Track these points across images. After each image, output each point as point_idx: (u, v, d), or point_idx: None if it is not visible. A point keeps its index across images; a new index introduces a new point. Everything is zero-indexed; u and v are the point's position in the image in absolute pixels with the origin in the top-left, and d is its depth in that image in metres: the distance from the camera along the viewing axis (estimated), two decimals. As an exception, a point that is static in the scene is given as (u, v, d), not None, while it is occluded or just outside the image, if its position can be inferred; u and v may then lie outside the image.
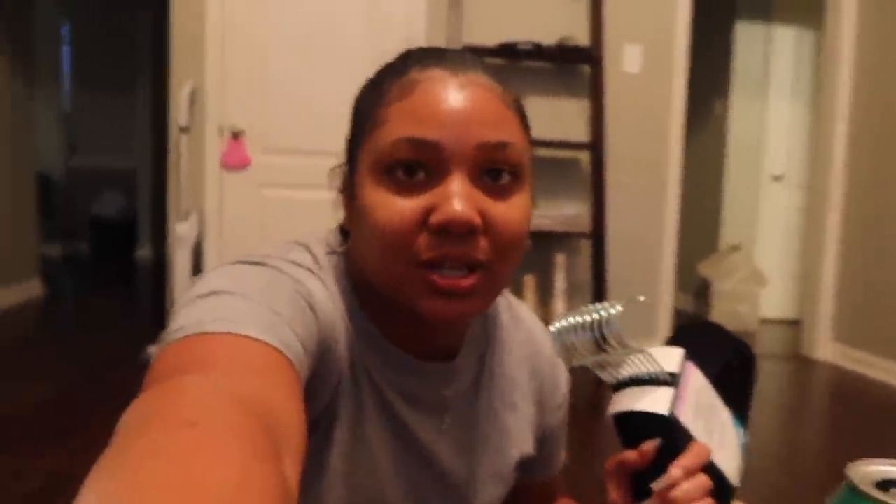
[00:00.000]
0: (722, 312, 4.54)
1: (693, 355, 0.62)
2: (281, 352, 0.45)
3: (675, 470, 0.55)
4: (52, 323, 4.20)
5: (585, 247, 3.50)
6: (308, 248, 0.61)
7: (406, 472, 0.63)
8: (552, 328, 0.59)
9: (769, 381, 3.66)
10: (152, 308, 4.38)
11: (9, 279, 4.23)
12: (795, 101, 4.83)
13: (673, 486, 0.55)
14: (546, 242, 3.45)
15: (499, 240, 0.54)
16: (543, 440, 0.75)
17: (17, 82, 4.30)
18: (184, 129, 3.12)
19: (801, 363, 3.83)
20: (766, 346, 4.27)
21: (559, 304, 3.37)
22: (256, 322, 0.46)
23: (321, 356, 0.55)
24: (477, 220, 0.53)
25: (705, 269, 4.74)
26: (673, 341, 0.65)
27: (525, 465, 0.73)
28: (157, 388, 0.37)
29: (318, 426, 0.58)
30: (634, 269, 3.56)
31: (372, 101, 0.58)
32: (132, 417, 0.34)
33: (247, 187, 3.22)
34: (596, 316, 0.57)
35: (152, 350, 3.00)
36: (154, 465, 0.28)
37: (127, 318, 4.40)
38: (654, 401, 0.58)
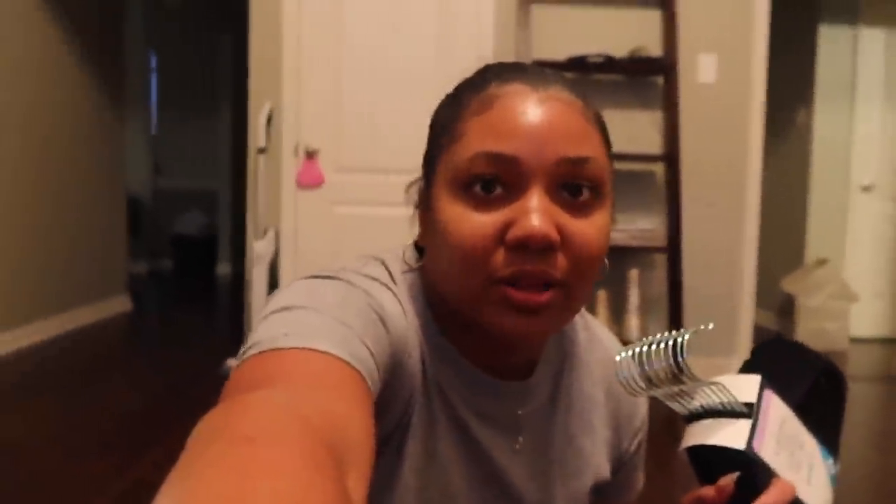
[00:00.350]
0: (808, 330, 4.32)
1: (773, 379, 0.58)
2: (352, 365, 0.45)
3: None
4: (138, 337, 4.41)
5: (660, 261, 3.41)
6: (383, 263, 0.61)
7: (479, 491, 0.62)
8: (619, 357, 0.56)
9: (860, 403, 3.45)
10: (231, 323, 4.54)
11: (99, 295, 4.48)
12: (885, 107, 4.58)
13: None
14: (619, 257, 3.38)
15: (576, 257, 0.53)
16: (620, 464, 0.73)
17: (108, 110, 4.57)
18: (261, 150, 3.23)
19: (895, 384, 3.60)
20: (857, 366, 4.04)
21: (633, 320, 3.29)
22: (328, 336, 0.46)
23: (393, 369, 0.54)
24: (555, 235, 0.52)
25: (790, 284, 4.52)
26: (751, 362, 0.61)
27: (601, 489, 0.71)
28: (225, 403, 0.38)
29: (391, 440, 0.58)
30: (712, 285, 3.44)
31: (450, 116, 0.58)
32: (200, 431, 0.35)
33: (320, 205, 3.30)
34: (664, 344, 0.54)
35: (231, 364, 3.10)
36: (213, 478, 0.29)
37: (207, 332, 4.57)
38: (730, 434, 0.55)
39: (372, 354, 0.49)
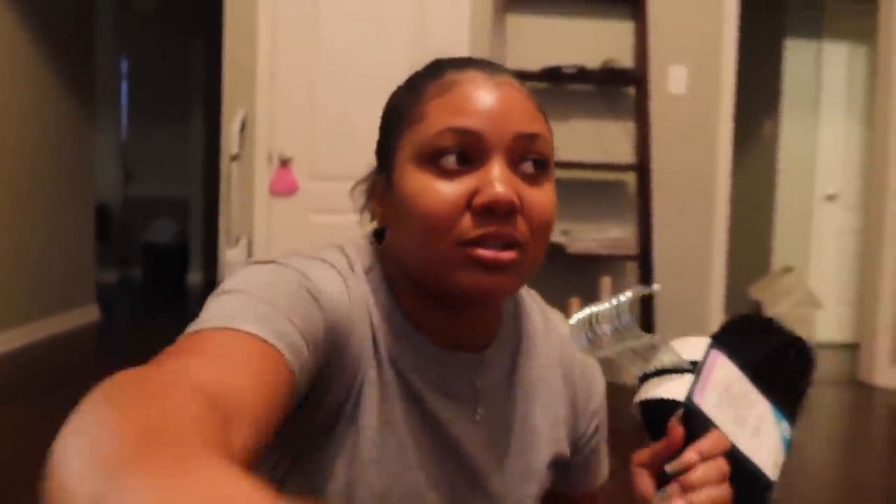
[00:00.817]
0: (775, 336, 4.40)
1: (729, 344, 0.61)
2: (266, 341, 0.50)
3: (689, 453, 0.57)
4: (107, 347, 4.33)
5: (632, 269, 3.46)
6: (342, 249, 0.65)
7: (436, 460, 0.65)
8: (571, 321, 0.60)
9: (825, 408, 3.53)
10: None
11: (67, 305, 4.39)
12: (848, 118, 4.70)
13: (688, 469, 0.56)
14: (591, 265, 3.42)
15: (534, 221, 0.59)
16: (579, 447, 0.75)
17: (77, 115, 4.50)
18: (234, 157, 3.21)
19: (858, 389, 3.68)
20: (822, 371, 4.12)
21: (605, 327, 3.32)
22: (247, 316, 0.51)
23: (333, 345, 0.58)
24: (517, 200, 0.57)
25: (757, 291, 4.61)
26: (717, 332, 0.64)
27: (563, 472, 0.74)
28: (130, 370, 0.43)
29: (343, 412, 0.61)
30: (683, 293, 3.49)
31: (409, 101, 0.63)
32: (105, 385, 0.41)
33: (295, 213, 3.29)
34: (610, 304, 0.59)
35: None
36: (105, 414, 0.35)
37: (179, 341, 4.51)
38: (673, 388, 0.59)
39: (298, 329, 0.53)
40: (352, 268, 0.63)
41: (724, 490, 0.56)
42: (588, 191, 3.46)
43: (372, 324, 0.62)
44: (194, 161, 6.94)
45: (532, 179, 0.60)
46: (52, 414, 2.74)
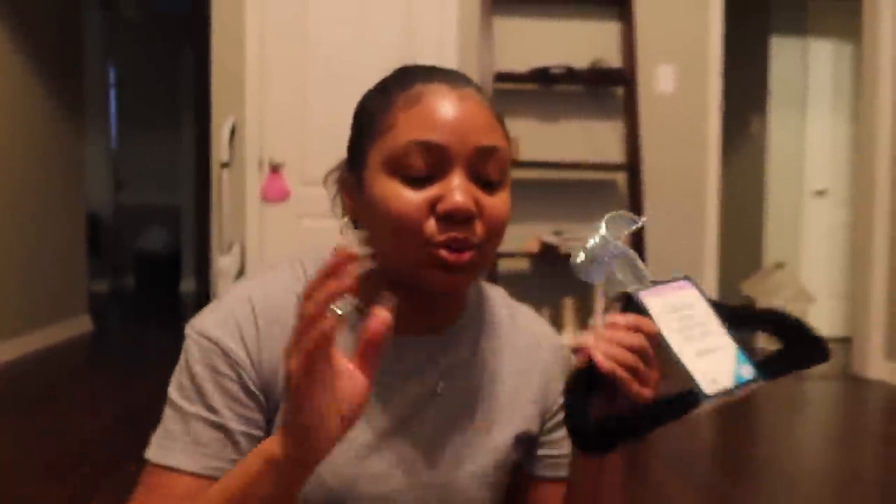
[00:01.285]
0: (768, 332, 4.42)
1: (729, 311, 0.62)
2: (202, 475, 0.65)
3: (599, 317, 0.63)
4: (100, 358, 4.31)
5: (624, 268, 3.47)
6: (301, 263, 0.74)
7: (399, 440, 0.70)
8: (578, 260, 0.68)
9: (819, 402, 3.55)
10: (197, 340, 4.46)
11: (59, 316, 4.37)
12: (835, 114, 4.74)
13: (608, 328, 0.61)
14: (584, 265, 3.42)
15: (490, 226, 0.66)
16: (545, 419, 0.78)
17: (67, 125, 4.48)
18: (225, 165, 3.20)
19: (852, 383, 3.71)
20: (816, 367, 4.14)
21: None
22: (185, 451, 0.66)
23: (268, 384, 0.68)
24: (474, 208, 0.64)
25: (749, 287, 4.64)
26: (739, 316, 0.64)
27: (531, 446, 0.77)
28: None
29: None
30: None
31: (379, 107, 0.68)
32: None
33: (287, 219, 3.29)
34: (601, 233, 0.67)
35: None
36: None
37: (172, 351, 4.47)
38: (633, 289, 0.64)
39: (238, 424, 0.66)
40: (293, 286, 0.71)
41: (630, 358, 0.59)
42: (579, 191, 3.47)
43: None
44: (185, 169, 6.92)
45: (490, 188, 0.66)
46: (47, 426, 2.72)
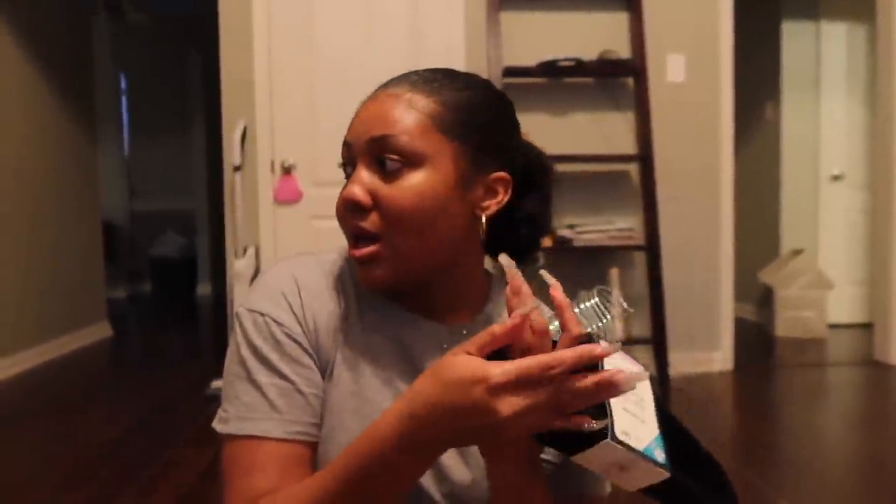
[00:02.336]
0: (787, 319, 4.38)
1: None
2: (287, 440, 0.67)
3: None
4: (120, 363, 4.35)
5: (640, 260, 3.45)
6: (324, 252, 0.79)
7: None
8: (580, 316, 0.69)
9: (842, 388, 3.51)
10: (215, 344, 4.50)
11: (79, 323, 4.41)
12: (850, 98, 4.67)
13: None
14: (599, 257, 3.41)
15: (386, 214, 0.68)
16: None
17: (80, 134, 4.52)
18: (237, 168, 3.21)
19: (875, 368, 3.66)
20: (837, 352, 4.10)
21: (616, 325, 3.31)
22: (267, 421, 0.68)
23: (317, 340, 0.71)
24: (359, 198, 0.68)
25: (767, 275, 4.59)
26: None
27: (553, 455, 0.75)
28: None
29: (324, 375, 0.72)
30: (692, 280, 3.48)
31: None
32: None
33: (299, 220, 3.29)
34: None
35: (216, 385, 3.07)
36: None
37: (191, 354, 4.53)
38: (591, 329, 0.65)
39: (307, 387, 0.69)
40: (321, 265, 0.76)
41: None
42: (591, 183, 3.45)
43: (346, 304, 0.74)
44: (198, 173, 6.96)
45: (389, 175, 0.68)
46: (69, 432, 2.75)
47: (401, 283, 0.71)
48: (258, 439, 0.67)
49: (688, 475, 0.59)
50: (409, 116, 0.69)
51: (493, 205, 0.73)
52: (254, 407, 0.68)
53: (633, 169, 3.47)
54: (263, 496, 0.65)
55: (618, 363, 0.61)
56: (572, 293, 0.73)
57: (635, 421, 0.58)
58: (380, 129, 0.69)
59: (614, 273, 3.33)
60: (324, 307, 0.73)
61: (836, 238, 4.71)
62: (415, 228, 0.68)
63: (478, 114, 0.72)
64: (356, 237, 0.69)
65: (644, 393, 0.62)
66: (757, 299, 4.79)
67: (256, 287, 0.74)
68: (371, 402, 0.71)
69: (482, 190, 0.72)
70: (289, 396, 0.68)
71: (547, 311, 0.71)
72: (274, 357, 0.69)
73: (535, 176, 0.79)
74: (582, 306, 0.69)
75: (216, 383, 3.09)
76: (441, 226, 0.69)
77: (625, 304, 0.70)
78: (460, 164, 0.70)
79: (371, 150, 0.69)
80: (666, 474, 0.56)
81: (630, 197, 3.47)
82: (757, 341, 4.34)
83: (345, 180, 0.72)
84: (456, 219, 0.70)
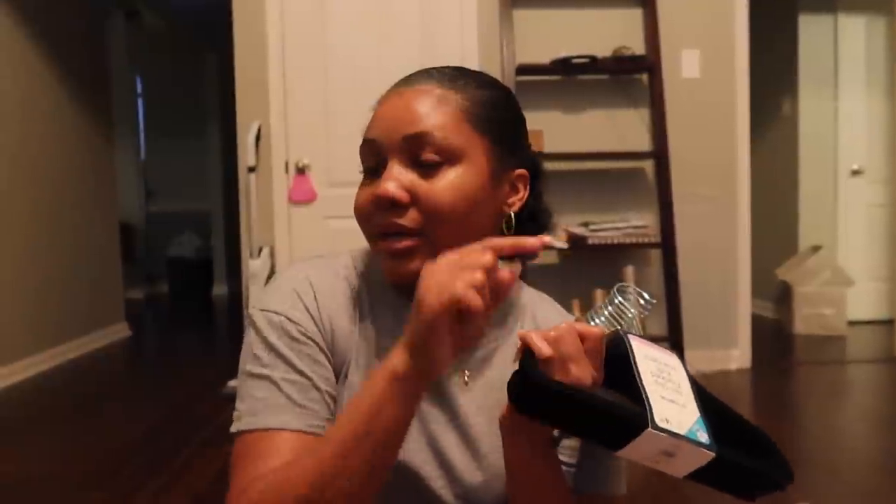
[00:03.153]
0: (806, 317, 4.33)
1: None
2: (303, 431, 0.66)
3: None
4: (139, 363, 4.39)
5: (656, 257, 3.42)
6: (351, 255, 0.79)
7: (428, 415, 0.72)
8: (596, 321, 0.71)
9: (863, 386, 3.46)
10: (231, 344, 4.53)
11: (97, 324, 4.46)
12: (869, 90, 4.61)
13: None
14: (614, 255, 3.39)
15: (426, 210, 0.67)
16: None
17: (97, 137, 4.56)
18: (252, 169, 3.23)
19: (895, 366, 3.62)
20: (858, 349, 4.05)
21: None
22: (282, 413, 0.66)
23: (332, 341, 0.71)
24: (398, 194, 0.67)
25: (785, 272, 4.54)
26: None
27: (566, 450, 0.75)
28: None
29: (339, 376, 0.72)
30: (709, 277, 3.45)
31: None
32: None
33: (314, 220, 3.30)
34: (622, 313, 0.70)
35: (232, 384, 3.09)
36: None
37: (207, 354, 4.56)
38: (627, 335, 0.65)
39: (323, 384, 0.69)
40: (346, 264, 0.77)
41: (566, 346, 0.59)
42: (606, 181, 3.43)
43: (360, 307, 0.74)
44: (213, 174, 7.01)
45: (427, 172, 0.68)
46: (88, 432, 2.78)
47: None
48: (273, 431, 0.65)
49: (735, 451, 0.59)
50: (443, 112, 0.69)
51: (516, 201, 0.74)
52: (268, 401, 0.67)
53: (648, 166, 3.44)
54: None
55: (651, 353, 0.63)
56: (587, 291, 0.73)
57: (674, 406, 0.58)
58: (415, 125, 0.68)
59: (629, 271, 3.31)
60: (339, 309, 0.73)
61: (856, 234, 4.65)
62: (454, 224, 0.68)
63: (501, 111, 0.73)
64: (389, 233, 0.69)
65: (680, 378, 0.62)
66: (775, 296, 4.74)
67: (269, 289, 0.74)
68: None
69: (507, 186, 0.73)
70: (306, 392, 0.68)
71: (567, 315, 0.72)
72: (289, 353, 0.68)
73: (536, 174, 0.79)
74: (602, 316, 0.69)
75: (232, 383, 3.11)
76: (476, 221, 0.70)
77: (646, 296, 0.69)
78: (491, 161, 0.71)
79: (406, 148, 0.68)
80: (712, 454, 0.56)
81: (645, 194, 3.45)
82: (775, 339, 4.30)
83: (367, 178, 0.72)
84: (487, 215, 0.71)
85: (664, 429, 0.55)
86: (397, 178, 0.68)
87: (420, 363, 0.57)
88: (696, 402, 0.61)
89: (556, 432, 0.67)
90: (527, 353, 0.60)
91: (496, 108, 0.73)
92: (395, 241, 0.68)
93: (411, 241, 0.68)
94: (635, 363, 0.60)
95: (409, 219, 0.68)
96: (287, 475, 0.61)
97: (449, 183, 0.68)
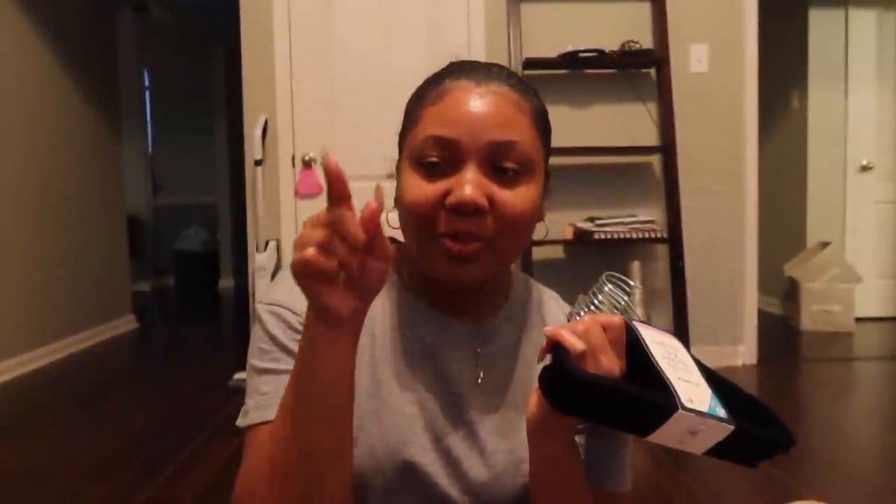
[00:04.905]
0: (813, 313, 4.32)
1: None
2: None
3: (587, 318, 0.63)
4: (146, 355, 4.41)
5: (662, 252, 3.41)
6: None
7: (433, 415, 0.72)
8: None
9: (870, 383, 3.45)
10: (237, 336, 4.54)
11: (105, 316, 4.48)
12: (880, 87, 4.58)
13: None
14: (621, 249, 3.38)
15: (502, 219, 0.66)
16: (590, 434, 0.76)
17: (104, 130, 4.58)
18: (258, 162, 3.24)
19: (905, 363, 3.60)
20: (865, 346, 4.03)
21: (637, 311, 3.28)
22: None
23: None
24: (482, 202, 0.65)
25: (792, 268, 4.52)
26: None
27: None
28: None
29: None
30: (715, 273, 3.44)
31: (414, 104, 0.72)
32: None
33: (320, 214, 3.31)
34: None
35: (239, 377, 3.10)
36: None
37: (214, 347, 4.58)
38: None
39: None
40: None
41: (594, 336, 0.61)
42: (613, 175, 3.42)
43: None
44: (220, 168, 7.02)
45: (506, 181, 0.67)
46: (97, 424, 2.79)
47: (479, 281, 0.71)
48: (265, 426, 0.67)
49: (744, 421, 0.61)
50: (524, 122, 0.69)
51: (546, 204, 0.75)
52: (272, 395, 0.67)
53: (655, 160, 3.43)
54: None
55: (656, 337, 0.64)
56: (591, 286, 0.73)
57: (691, 386, 0.60)
58: (503, 132, 0.67)
59: (636, 266, 3.30)
60: None
61: (865, 230, 4.63)
62: (521, 235, 0.69)
63: (548, 119, 0.74)
64: (457, 236, 0.66)
65: (686, 358, 0.64)
66: (782, 293, 4.72)
67: (274, 283, 0.74)
68: (390, 406, 0.71)
69: (546, 194, 0.74)
70: None
71: (581, 301, 0.72)
72: (291, 344, 0.69)
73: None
74: (591, 307, 0.70)
75: (239, 375, 3.12)
76: (531, 231, 0.71)
77: (632, 283, 0.70)
78: (546, 169, 0.73)
79: (490, 153, 0.66)
80: (731, 427, 0.58)
81: (652, 189, 3.44)
82: (782, 335, 4.28)
83: (426, 173, 0.68)
84: (536, 224, 0.72)
85: (691, 409, 0.57)
86: (478, 184, 0.66)
87: (318, 314, 0.55)
88: (706, 380, 0.63)
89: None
90: (558, 349, 0.61)
91: (546, 116, 0.74)
92: (465, 245, 0.66)
93: (478, 246, 0.67)
94: (648, 349, 0.62)
95: (484, 226, 0.66)
96: (253, 460, 0.64)
97: (524, 194, 0.68)
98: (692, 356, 0.66)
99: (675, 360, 0.62)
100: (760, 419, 0.64)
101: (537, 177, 0.70)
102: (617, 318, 0.63)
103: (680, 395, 0.57)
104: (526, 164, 0.68)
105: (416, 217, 0.68)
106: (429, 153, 0.67)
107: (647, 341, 0.62)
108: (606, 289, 0.70)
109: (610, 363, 0.61)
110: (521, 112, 0.68)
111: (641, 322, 0.66)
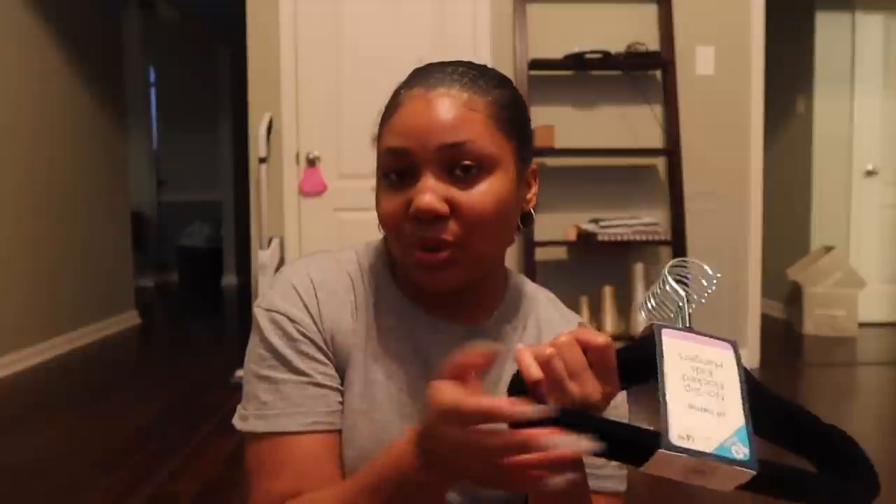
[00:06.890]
0: (816, 318, 4.30)
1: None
2: (316, 430, 0.69)
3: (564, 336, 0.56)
4: (149, 351, 4.42)
5: (665, 255, 3.41)
6: (356, 250, 0.79)
7: (425, 416, 0.69)
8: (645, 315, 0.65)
9: (874, 388, 3.44)
10: (239, 333, 4.55)
11: (108, 312, 4.49)
12: (886, 91, 4.56)
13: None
14: (624, 251, 3.38)
15: (466, 220, 0.66)
16: None
17: (110, 126, 4.59)
18: (263, 160, 3.24)
19: (908, 369, 3.59)
20: (868, 351, 4.02)
21: (639, 314, 3.28)
22: (292, 414, 0.69)
23: (332, 340, 0.72)
24: (440, 207, 0.65)
25: (796, 273, 4.51)
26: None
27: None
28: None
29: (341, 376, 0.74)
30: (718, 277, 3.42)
31: (380, 119, 0.73)
32: None
33: (324, 212, 3.31)
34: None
35: (241, 374, 3.10)
36: None
37: (216, 343, 4.59)
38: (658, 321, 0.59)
39: (324, 379, 0.71)
40: (351, 261, 0.77)
41: (556, 367, 0.54)
42: (617, 178, 3.41)
43: (363, 304, 0.74)
44: (224, 165, 7.03)
45: (465, 182, 0.67)
46: (99, 418, 2.80)
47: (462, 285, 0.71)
48: (277, 435, 0.69)
49: (803, 452, 0.55)
50: (475, 120, 0.67)
51: (532, 197, 0.74)
52: (271, 404, 0.69)
53: (660, 163, 3.43)
54: (286, 499, 0.66)
55: (688, 350, 0.56)
56: (596, 288, 0.72)
57: (706, 417, 0.52)
58: (451, 135, 0.66)
59: (638, 268, 3.30)
60: (340, 306, 0.73)
61: (869, 235, 4.62)
62: (492, 232, 0.68)
63: (520, 109, 0.73)
64: (426, 246, 0.67)
65: (725, 378, 0.55)
66: (785, 297, 4.71)
67: (274, 287, 0.75)
68: (382, 406, 0.72)
69: (525, 184, 0.74)
70: (303, 389, 0.70)
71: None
72: (289, 353, 0.70)
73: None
74: (650, 304, 0.63)
75: (241, 372, 3.12)
76: (509, 226, 0.71)
77: (709, 270, 0.63)
78: (516, 161, 0.71)
79: (443, 158, 0.66)
80: (750, 472, 0.50)
81: (657, 191, 3.43)
82: (784, 339, 4.27)
83: (391, 185, 0.69)
84: (514, 217, 0.72)
85: (682, 447, 0.49)
86: (435, 190, 0.66)
87: (440, 476, 0.57)
88: (743, 406, 0.53)
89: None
90: (515, 376, 0.55)
91: (516, 107, 0.72)
92: (433, 255, 0.67)
93: (448, 252, 0.67)
94: (661, 367, 0.54)
95: (448, 231, 0.66)
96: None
97: (486, 191, 0.67)
98: (747, 377, 0.56)
99: (701, 382, 0.54)
100: (838, 461, 0.56)
101: (502, 169, 0.68)
102: (601, 338, 0.55)
103: (673, 430, 0.49)
104: (483, 160, 0.67)
105: (389, 230, 0.70)
106: (389, 166, 0.69)
107: (667, 357, 0.54)
108: (668, 287, 0.64)
109: (582, 389, 0.54)
110: (471, 110, 0.67)
111: (681, 330, 0.58)
